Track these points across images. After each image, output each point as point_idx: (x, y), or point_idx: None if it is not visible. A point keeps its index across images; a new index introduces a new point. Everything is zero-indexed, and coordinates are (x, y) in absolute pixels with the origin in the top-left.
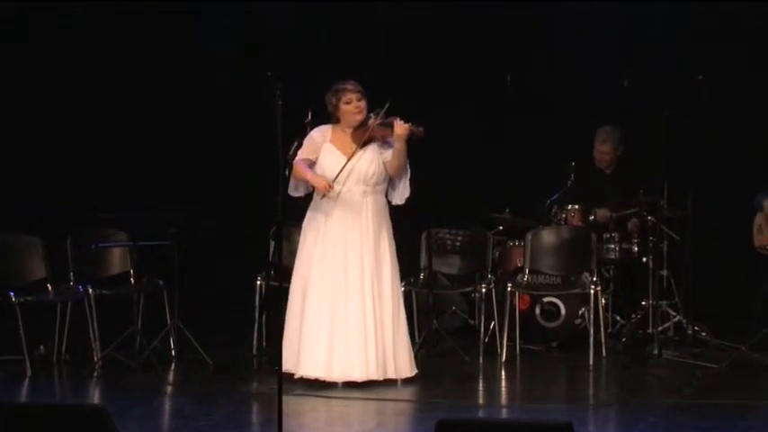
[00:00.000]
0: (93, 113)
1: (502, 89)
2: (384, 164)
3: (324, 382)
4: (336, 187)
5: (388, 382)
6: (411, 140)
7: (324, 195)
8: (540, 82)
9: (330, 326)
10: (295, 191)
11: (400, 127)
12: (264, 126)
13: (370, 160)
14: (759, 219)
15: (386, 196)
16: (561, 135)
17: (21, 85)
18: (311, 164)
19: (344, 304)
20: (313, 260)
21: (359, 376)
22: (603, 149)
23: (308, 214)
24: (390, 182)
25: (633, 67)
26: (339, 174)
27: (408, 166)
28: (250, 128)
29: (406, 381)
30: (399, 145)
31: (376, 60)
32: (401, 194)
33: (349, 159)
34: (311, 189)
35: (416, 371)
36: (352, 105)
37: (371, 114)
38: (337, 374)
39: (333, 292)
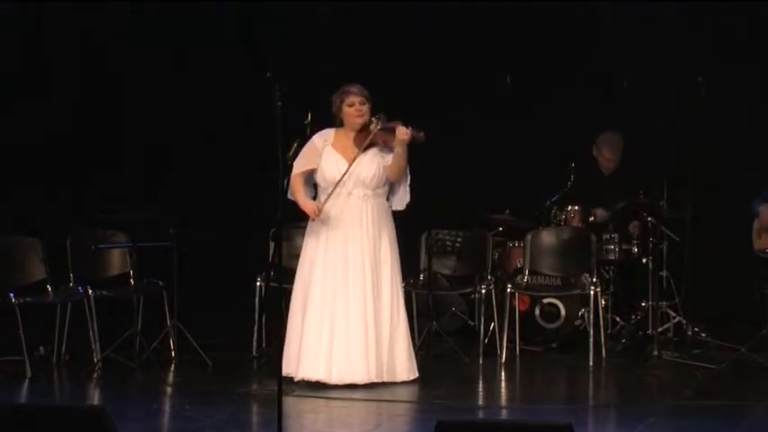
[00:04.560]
0: (91, 113)
1: (502, 89)
2: (384, 168)
3: (324, 384)
4: (338, 191)
5: (388, 384)
6: (412, 145)
7: (313, 219)
8: (539, 82)
9: (331, 329)
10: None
11: (402, 132)
12: (264, 127)
13: (371, 164)
14: (757, 224)
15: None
16: (561, 136)
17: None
18: (311, 172)
19: (345, 308)
20: (315, 264)
21: (360, 379)
22: (612, 158)
23: (311, 218)
24: (390, 187)
25: (633, 68)
26: (339, 181)
27: (408, 172)
28: (250, 128)
29: (406, 382)
30: (400, 149)
31: (375, 61)
32: (401, 200)
33: (350, 164)
34: (314, 192)
35: (417, 375)
36: (354, 108)
37: (374, 119)
38: (337, 378)
39: (334, 296)
